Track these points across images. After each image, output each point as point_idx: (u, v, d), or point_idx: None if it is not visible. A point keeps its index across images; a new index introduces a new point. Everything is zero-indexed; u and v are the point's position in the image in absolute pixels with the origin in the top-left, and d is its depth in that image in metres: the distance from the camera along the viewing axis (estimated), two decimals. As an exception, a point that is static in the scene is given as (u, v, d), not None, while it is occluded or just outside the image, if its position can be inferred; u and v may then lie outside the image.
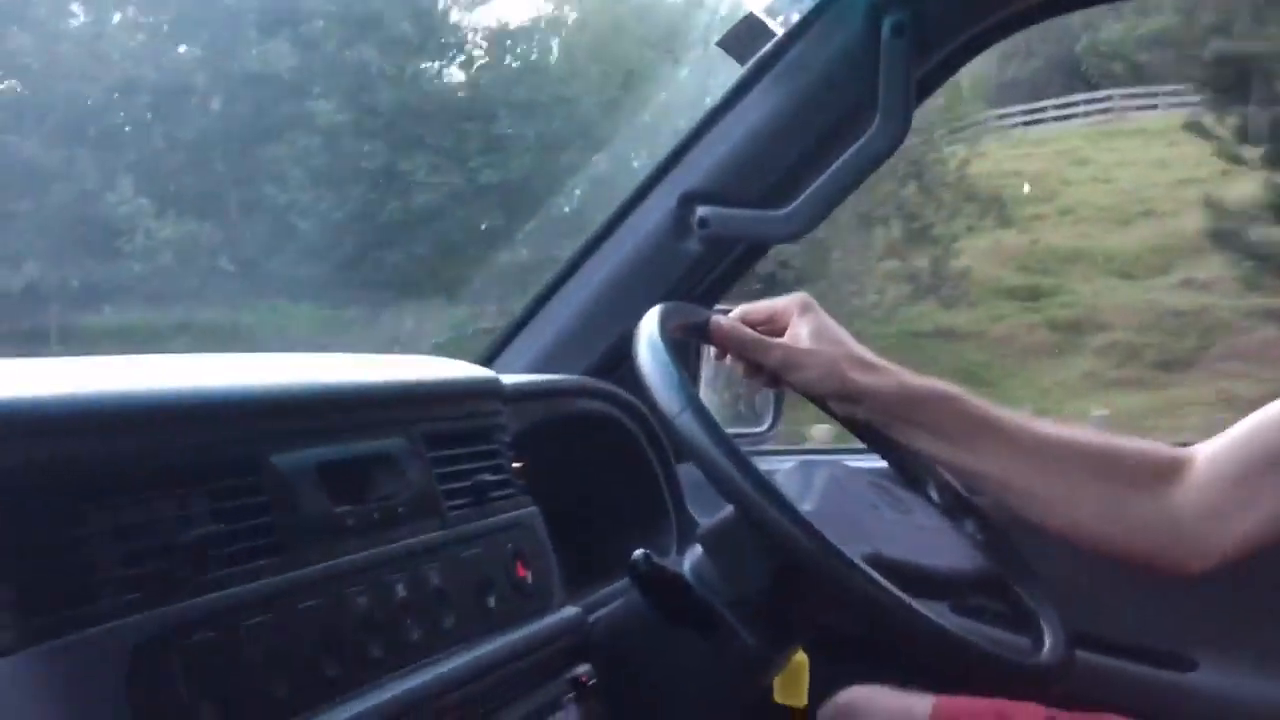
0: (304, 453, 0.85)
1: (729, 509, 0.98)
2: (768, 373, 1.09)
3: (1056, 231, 13.46)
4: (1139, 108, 15.94)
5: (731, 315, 1.10)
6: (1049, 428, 1.08)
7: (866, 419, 1.09)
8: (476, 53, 10.44)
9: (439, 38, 10.19)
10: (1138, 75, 15.17)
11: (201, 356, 1.04)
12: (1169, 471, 1.05)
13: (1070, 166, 14.66)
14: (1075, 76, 15.88)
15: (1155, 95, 15.57)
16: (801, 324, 1.07)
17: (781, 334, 1.09)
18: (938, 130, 12.28)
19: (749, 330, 1.07)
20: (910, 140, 1.44)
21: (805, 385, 1.08)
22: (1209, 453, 1.05)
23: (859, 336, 1.10)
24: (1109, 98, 16.10)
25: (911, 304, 11.79)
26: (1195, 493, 1.03)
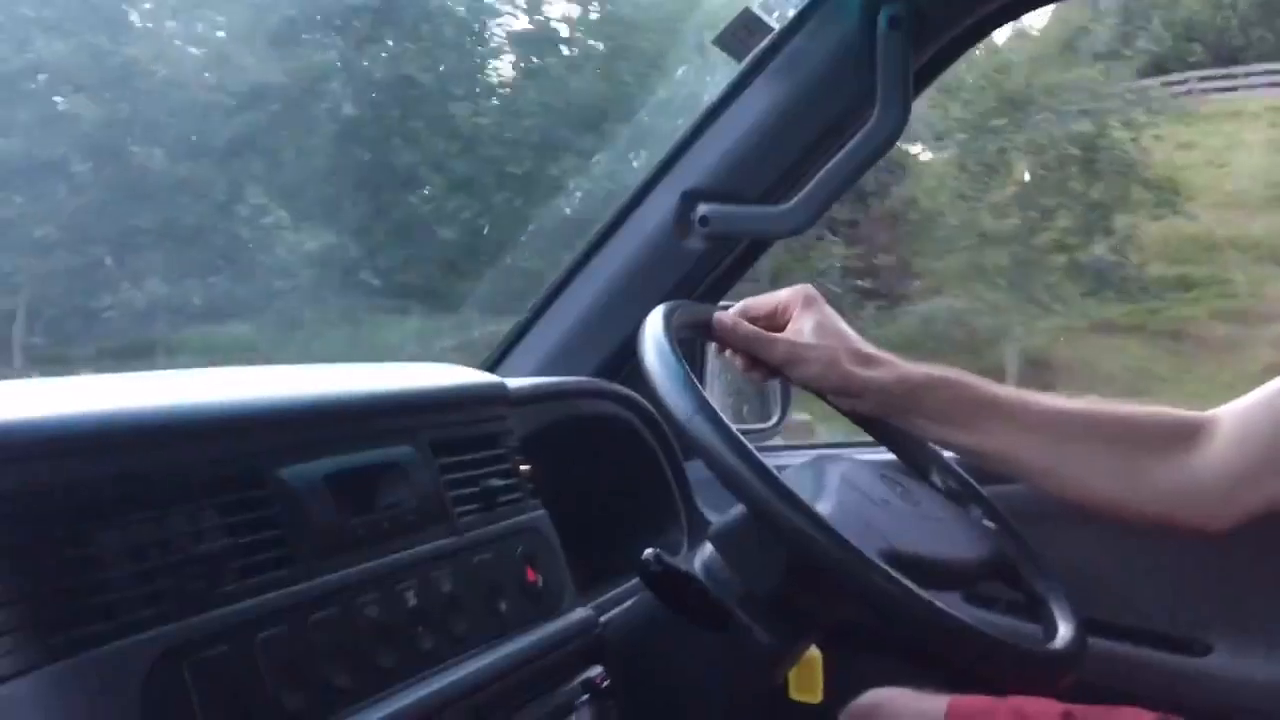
0: (312, 464, 0.86)
1: (739, 507, 0.98)
2: (770, 368, 1.10)
3: (1187, 219, 12.92)
4: (1220, 89, 15.53)
5: (734, 309, 1.11)
6: (1054, 401, 1.09)
7: (870, 411, 1.10)
8: (598, 45, 10.03)
9: (573, 31, 9.84)
10: (1217, 57, 14.81)
11: (215, 370, 1.04)
12: (1188, 435, 1.05)
13: (1175, 151, 14.03)
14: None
15: (1235, 77, 15.24)
16: (804, 319, 1.08)
17: (783, 328, 1.09)
18: (1111, 110, 11.35)
19: (751, 326, 1.08)
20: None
21: (807, 380, 1.09)
22: (1236, 413, 1.05)
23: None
24: (1185, 80, 15.71)
25: (1084, 299, 11.14)
26: (1219, 454, 1.04)
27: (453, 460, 0.99)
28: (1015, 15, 1.42)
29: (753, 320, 1.09)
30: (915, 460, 1.16)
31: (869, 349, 1.08)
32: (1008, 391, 1.08)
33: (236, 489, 0.80)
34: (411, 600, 0.88)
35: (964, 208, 11.11)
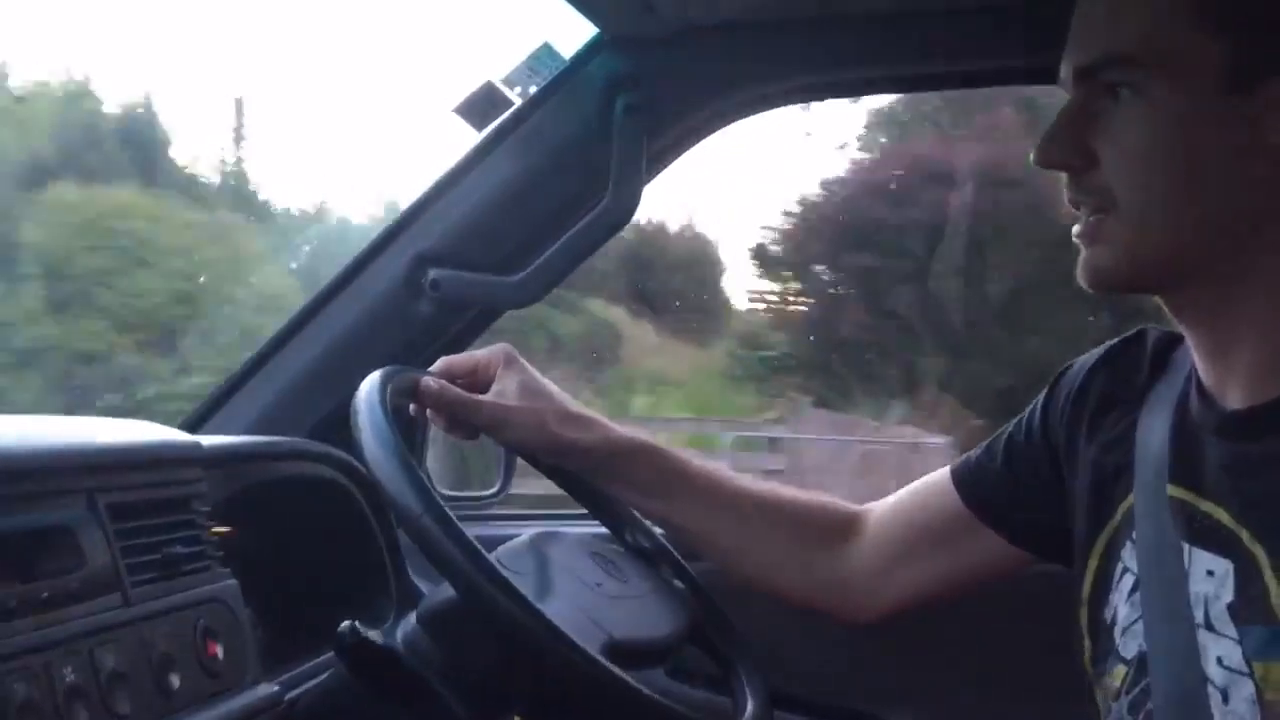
0: (-38, 526, 0.79)
1: (450, 588, 0.97)
2: (477, 429, 1.10)
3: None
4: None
5: (435, 368, 1.10)
6: (743, 482, 1.15)
7: (575, 471, 1.13)
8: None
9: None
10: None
11: None
12: (845, 529, 1.14)
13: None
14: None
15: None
16: (508, 379, 1.09)
17: (486, 387, 1.10)
18: None
19: (456, 390, 1.08)
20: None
21: (514, 443, 1.12)
22: (879, 515, 1.14)
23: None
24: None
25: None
26: (865, 552, 1.13)
27: (132, 525, 0.92)
28: (748, 114, 1.49)
29: (454, 380, 1.09)
30: (611, 520, 1.19)
31: (576, 409, 1.11)
32: (701, 467, 1.14)
33: None
34: (69, 677, 0.82)
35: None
